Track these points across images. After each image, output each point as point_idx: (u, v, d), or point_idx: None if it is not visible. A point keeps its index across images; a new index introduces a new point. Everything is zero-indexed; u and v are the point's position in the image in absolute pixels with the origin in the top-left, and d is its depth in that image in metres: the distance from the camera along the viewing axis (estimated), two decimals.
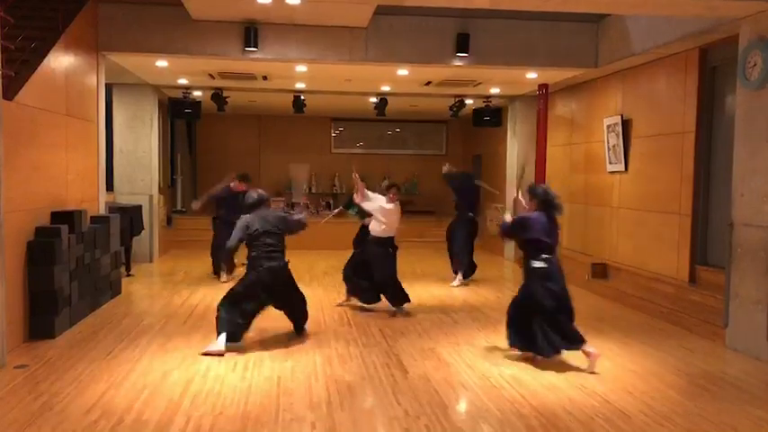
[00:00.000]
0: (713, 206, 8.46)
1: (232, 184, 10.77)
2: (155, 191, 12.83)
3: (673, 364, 6.29)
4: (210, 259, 11.00)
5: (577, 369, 6.05)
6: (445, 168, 10.88)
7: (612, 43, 9.68)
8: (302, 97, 13.70)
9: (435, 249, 13.22)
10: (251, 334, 7.16)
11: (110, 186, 11.58)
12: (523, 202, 6.69)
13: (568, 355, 6.49)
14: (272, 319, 7.91)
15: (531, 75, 10.97)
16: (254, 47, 9.39)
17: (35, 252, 6.77)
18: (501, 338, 7.16)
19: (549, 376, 5.84)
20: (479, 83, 12.04)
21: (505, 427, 4.66)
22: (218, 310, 6.59)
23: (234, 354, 6.37)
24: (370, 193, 8.56)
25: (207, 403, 5.02)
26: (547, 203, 6.17)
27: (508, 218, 6.54)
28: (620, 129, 10.16)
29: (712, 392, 5.52)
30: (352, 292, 8.66)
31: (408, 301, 8.42)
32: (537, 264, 6.09)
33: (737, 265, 6.83)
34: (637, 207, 9.91)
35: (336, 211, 9.04)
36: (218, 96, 13.23)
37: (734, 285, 6.87)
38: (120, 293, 9.30)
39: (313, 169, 18.55)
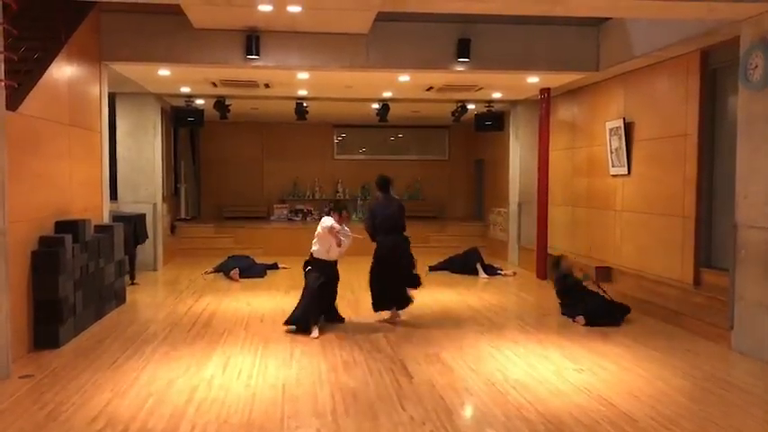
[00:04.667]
0: (717, 208, 8.45)
1: None
2: (158, 199, 12.85)
3: (678, 368, 6.27)
4: None
5: (581, 372, 6.05)
6: None
7: (613, 47, 9.68)
8: (304, 104, 13.74)
9: (440, 254, 13.20)
10: (255, 341, 7.18)
11: (113, 195, 11.61)
12: None
13: (576, 359, 6.48)
14: (275, 327, 7.91)
15: (533, 79, 10.97)
16: (255, 55, 9.42)
17: (39, 262, 6.78)
18: (506, 343, 7.16)
19: (555, 381, 5.83)
20: (481, 88, 12.05)
21: None
22: None
23: (238, 362, 6.37)
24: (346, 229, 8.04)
25: (212, 411, 5.02)
26: None
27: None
28: (622, 132, 10.15)
29: (718, 395, 5.50)
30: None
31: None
32: None
33: (742, 268, 6.81)
34: (640, 210, 9.89)
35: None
36: (220, 104, 13.26)
37: (739, 287, 6.85)
38: (124, 302, 9.30)
39: (315, 176, 18.59)
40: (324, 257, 7.81)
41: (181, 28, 9.26)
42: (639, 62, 9.39)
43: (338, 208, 7.93)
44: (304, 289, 7.86)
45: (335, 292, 8.17)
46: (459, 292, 10.50)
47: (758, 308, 6.56)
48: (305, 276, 7.96)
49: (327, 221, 7.69)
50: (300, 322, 7.55)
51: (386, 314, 8.24)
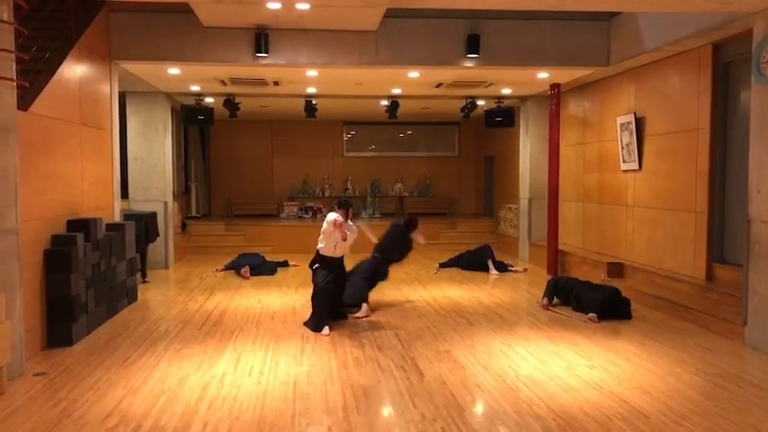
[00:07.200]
0: (729, 203, 8.38)
1: None
2: (169, 197, 12.91)
3: (691, 363, 6.23)
4: None
5: (593, 368, 6.02)
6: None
7: (624, 41, 9.62)
8: (313, 102, 13.75)
9: (450, 251, 13.19)
10: (266, 338, 7.20)
11: (124, 194, 11.67)
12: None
13: (587, 356, 6.46)
14: (286, 325, 7.93)
15: (543, 74, 10.92)
16: (264, 52, 9.43)
17: (52, 260, 6.82)
18: (517, 340, 7.14)
19: (566, 377, 5.81)
20: (490, 84, 12.01)
21: (522, 430, 4.64)
22: None
23: (249, 359, 6.39)
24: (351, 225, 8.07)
25: (224, 408, 5.04)
26: None
27: None
28: (633, 127, 10.09)
29: (732, 391, 5.46)
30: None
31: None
32: None
33: (756, 263, 6.75)
34: (652, 205, 9.83)
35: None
36: (230, 102, 13.30)
37: (752, 283, 6.79)
38: (136, 300, 9.35)
39: (325, 173, 18.62)
40: (330, 254, 7.82)
41: (190, 27, 9.29)
42: (650, 56, 9.32)
43: (344, 204, 7.93)
44: (313, 291, 7.87)
45: (343, 289, 8.19)
46: (470, 288, 10.48)
47: None
48: (312, 275, 7.97)
49: (332, 215, 7.70)
50: (314, 327, 7.57)
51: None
